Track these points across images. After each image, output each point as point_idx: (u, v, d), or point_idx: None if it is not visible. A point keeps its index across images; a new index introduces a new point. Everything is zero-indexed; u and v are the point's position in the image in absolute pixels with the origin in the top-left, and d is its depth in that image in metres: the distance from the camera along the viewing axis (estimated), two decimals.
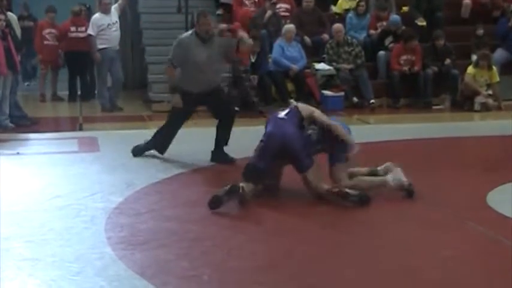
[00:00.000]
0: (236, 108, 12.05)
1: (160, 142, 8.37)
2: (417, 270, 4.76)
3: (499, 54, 13.64)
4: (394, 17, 13.58)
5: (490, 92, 12.60)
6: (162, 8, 14.69)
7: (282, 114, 6.59)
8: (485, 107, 12.40)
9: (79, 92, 14.27)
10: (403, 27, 13.46)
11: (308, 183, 6.42)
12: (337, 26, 13.24)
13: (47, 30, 14.10)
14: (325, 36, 13.50)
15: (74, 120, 11.63)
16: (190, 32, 8.37)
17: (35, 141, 10.07)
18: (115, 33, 12.72)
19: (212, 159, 8.21)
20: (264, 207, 6.32)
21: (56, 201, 6.50)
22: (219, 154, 8.22)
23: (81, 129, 10.79)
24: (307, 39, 13.40)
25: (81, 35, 13.81)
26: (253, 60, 12.51)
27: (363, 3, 13.87)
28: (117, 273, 4.72)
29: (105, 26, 12.60)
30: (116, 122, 11.66)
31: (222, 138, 8.23)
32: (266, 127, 6.63)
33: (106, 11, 12.65)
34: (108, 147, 9.22)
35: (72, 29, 14.15)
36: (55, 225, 5.79)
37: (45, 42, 14.11)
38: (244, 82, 12.27)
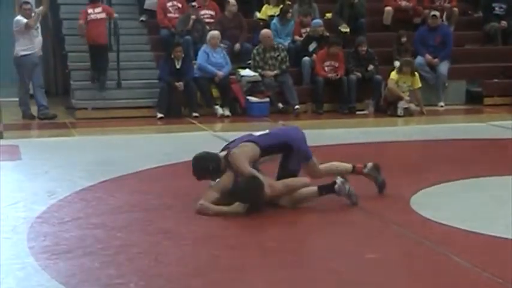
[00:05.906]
0: None
1: None
2: (342, 273, 4.79)
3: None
4: (316, 20, 13.71)
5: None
6: None
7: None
8: (408, 112, 12.62)
9: None
10: (327, 34, 13.61)
11: None
12: (266, 31, 13.28)
13: None
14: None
15: None
16: None
17: None
18: (37, 38, 12.49)
19: None
20: (190, 213, 6.29)
21: None
22: None
23: (1, 137, 10.54)
24: (237, 46, 13.42)
25: None
26: (178, 66, 12.46)
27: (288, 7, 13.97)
28: (40, 283, 4.62)
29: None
30: (38, 130, 11.43)
31: None
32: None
33: (27, 16, 12.40)
34: (30, 155, 9.03)
35: None
36: None
37: None
38: None
